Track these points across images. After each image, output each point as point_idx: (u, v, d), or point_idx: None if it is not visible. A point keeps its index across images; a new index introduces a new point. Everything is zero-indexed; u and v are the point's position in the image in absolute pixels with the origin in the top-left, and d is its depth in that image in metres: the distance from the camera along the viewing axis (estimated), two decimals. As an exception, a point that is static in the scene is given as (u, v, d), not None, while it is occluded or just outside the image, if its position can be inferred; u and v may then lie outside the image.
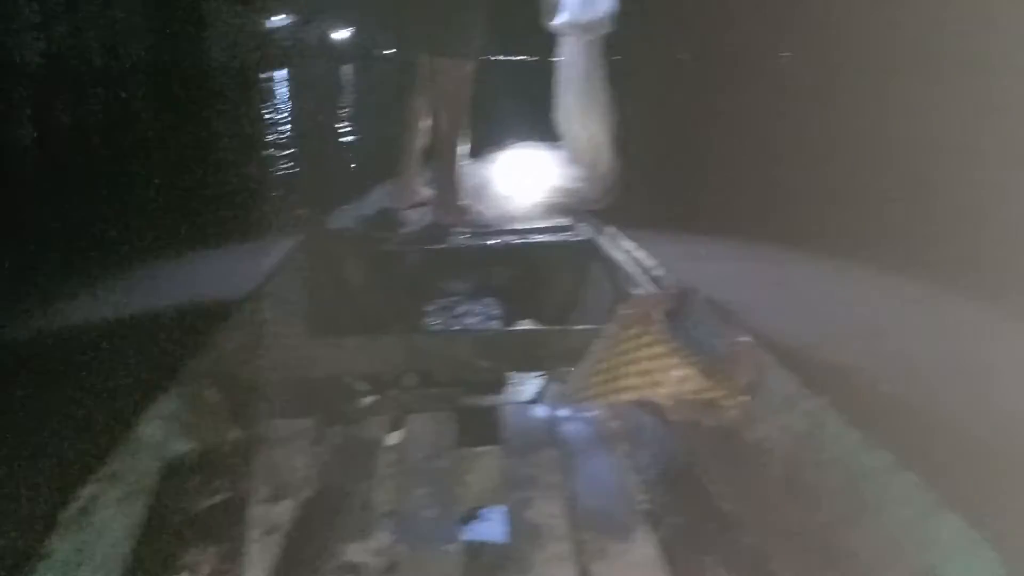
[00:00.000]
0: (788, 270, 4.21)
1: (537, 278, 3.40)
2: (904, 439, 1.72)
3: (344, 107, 16.17)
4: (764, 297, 3.36)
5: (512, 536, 1.53)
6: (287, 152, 10.12)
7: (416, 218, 3.80)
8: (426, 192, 3.99)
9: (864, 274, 4.17)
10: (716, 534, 1.53)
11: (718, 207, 5.50)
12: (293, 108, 15.72)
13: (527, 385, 2.42)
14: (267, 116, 14.43)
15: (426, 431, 1.91)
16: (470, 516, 1.62)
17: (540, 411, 2.09)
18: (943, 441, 2.38)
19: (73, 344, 3.58)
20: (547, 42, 4.21)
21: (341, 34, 26.54)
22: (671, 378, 1.95)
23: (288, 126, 13.22)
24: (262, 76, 18.63)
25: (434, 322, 3.17)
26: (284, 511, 1.56)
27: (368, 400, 2.29)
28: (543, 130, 4.25)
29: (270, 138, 11.27)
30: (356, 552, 1.48)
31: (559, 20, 4.04)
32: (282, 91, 18.77)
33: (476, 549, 1.51)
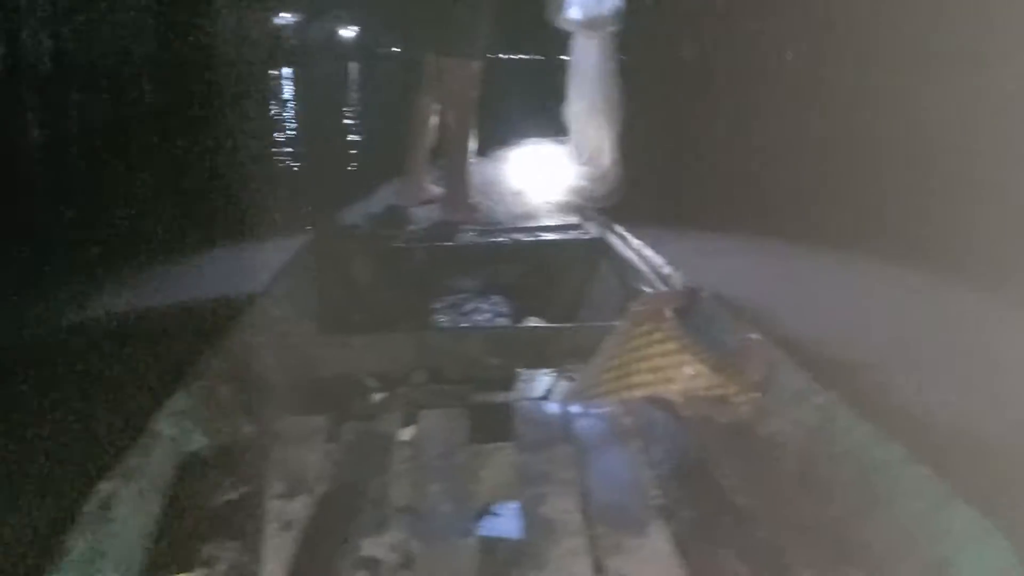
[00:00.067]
0: (795, 265, 4.21)
1: (546, 276, 3.41)
2: (914, 430, 1.73)
3: (351, 105, 16.18)
4: (772, 293, 3.37)
5: (527, 531, 1.54)
6: (295, 150, 10.14)
7: (424, 216, 3.81)
8: (434, 190, 4.00)
9: (870, 267, 4.18)
10: (730, 528, 1.54)
11: (725, 204, 5.51)
12: (300, 106, 15.72)
13: (538, 382, 2.43)
14: (275, 114, 14.46)
15: (439, 427, 1.92)
16: (485, 511, 1.63)
17: (552, 408, 2.10)
18: (952, 432, 2.39)
19: (86, 343, 3.61)
20: (554, 40, 4.22)
21: (347, 32, 26.55)
22: (683, 375, 1.96)
23: (295, 124, 13.25)
24: (270, 74, 18.67)
25: (443, 319, 3.18)
26: (300, 507, 1.57)
27: (379, 397, 2.30)
28: (551, 128, 4.26)
29: (278, 136, 11.30)
30: (372, 547, 1.49)
31: (567, 16, 4.04)
32: (289, 89, 18.82)
33: (491, 544, 1.52)
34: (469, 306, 3.26)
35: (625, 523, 1.52)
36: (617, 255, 3.25)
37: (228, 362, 2.08)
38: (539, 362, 2.50)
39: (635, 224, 3.46)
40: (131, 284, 4.38)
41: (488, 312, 3.21)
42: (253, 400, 2.04)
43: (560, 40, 4.17)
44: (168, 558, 1.42)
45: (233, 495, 1.60)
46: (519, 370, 2.46)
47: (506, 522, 1.59)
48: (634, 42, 3.97)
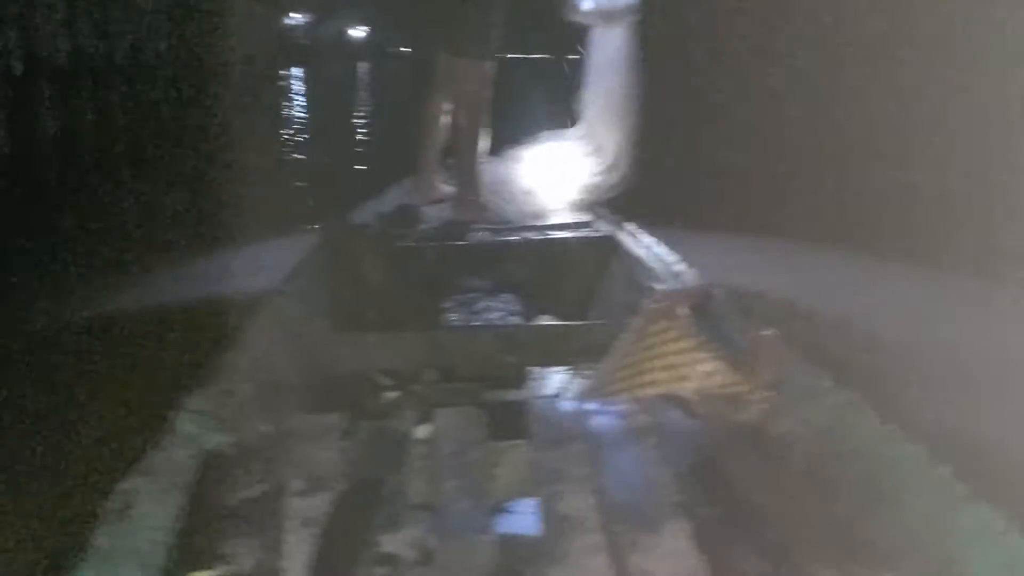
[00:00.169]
0: (807, 263, 4.21)
1: (557, 274, 3.41)
2: (929, 429, 1.74)
3: (361, 105, 16.20)
4: (789, 292, 3.37)
5: (544, 528, 1.55)
6: (306, 150, 10.17)
7: (435, 215, 3.82)
8: (445, 189, 4.01)
9: (882, 267, 4.17)
10: (746, 525, 1.54)
11: (738, 203, 5.49)
12: (311, 106, 15.75)
13: (550, 380, 2.43)
14: (286, 113, 14.49)
15: (454, 425, 1.93)
16: (501, 508, 1.64)
17: (567, 406, 2.11)
18: (969, 431, 2.39)
19: (99, 340, 3.63)
20: (563, 39, 4.21)
21: (357, 32, 26.56)
22: (697, 372, 1.96)
23: (307, 123, 13.28)
24: (281, 73, 18.70)
25: (454, 318, 3.19)
26: (319, 504, 1.58)
27: (394, 395, 2.32)
28: (561, 126, 4.25)
29: (290, 135, 11.32)
30: (391, 543, 1.50)
31: (582, 8, 3.97)
32: (300, 88, 18.86)
33: (509, 541, 1.53)
34: (481, 305, 3.27)
35: (642, 520, 1.53)
36: (629, 253, 3.26)
37: (245, 360, 2.10)
38: (551, 360, 2.50)
39: (647, 222, 3.47)
40: (143, 282, 4.40)
41: (500, 311, 3.22)
42: (270, 398, 2.05)
43: (570, 38, 4.16)
44: (190, 555, 1.44)
45: (252, 493, 1.61)
46: (531, 368, 2.47)
47: (523, 519, 1.60)
48: (655, 33, 3.87)
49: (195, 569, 1.42)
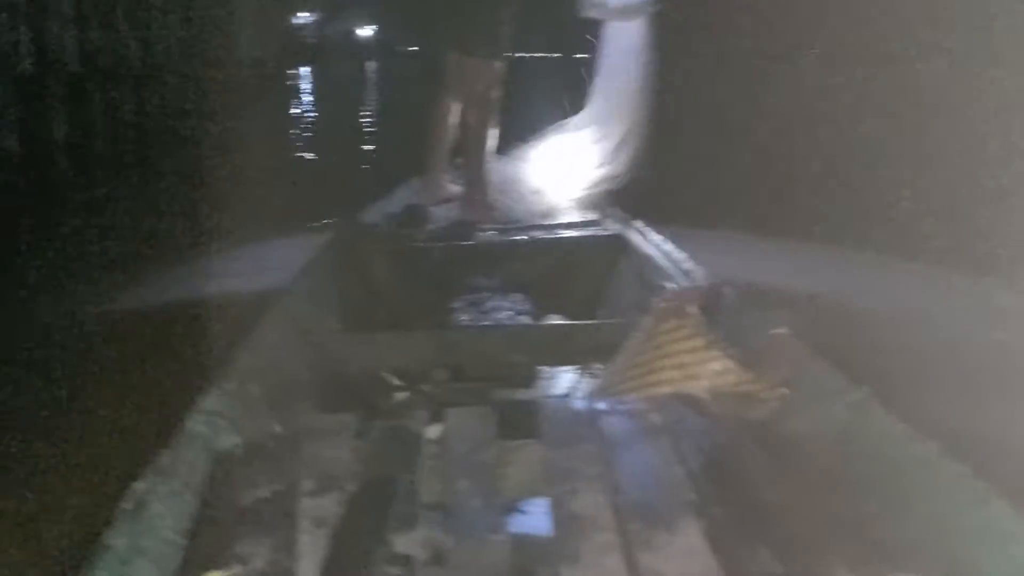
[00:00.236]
0: (818, 262, 4.20)
1: (566, 273, 3.41)
2: (941, 428, 1.73)
3: (370, 104, 16.21)
4: (799, 290, 3.36)
5: (557, 527, 1.54)
6: (315, 149, 10.18)
7: (443, 215, 3.82)
8: (453, 188, 4.01)
9: (892, 266, 4.15)
10: (760, 524, 1.54)
11: (747, 201, 5.48)
12: (319, 105, 15.78)
13: (560, 379, 2.43)
14: (294, 113, 14.52)
15: (465, 425, 1.93)
16: (514, 508, 1.64)
17: (578, 405, 2.11)
18: (982, 430, 2.37)
19: (111, 341, 3.64)
20: (572, 37, 4.19)
21: (365, 31, 26.57)
22: (709, 371, 1.96)
23: (314, 123, 13.29)
24: (289, 72, 18.71)
25: (463, 318, 3.18)
26: (331, 503, 1.58)
27: (404, 395, 2.32)
28: (570, 126, 4.24)
29: (297, 135, 11.34)
30: (404, 543, 1.49)
31: (600, 2, 3.90)
32: (308, 87, 18.87)
33: (521, 540, 1.52)
34: (490, 304, 3.27)
35: (656, 519, 1.53)
36: (638, 251, 3.25)
37: (257, 360, 2.10)
38: (561, 359, 2.50)
39: (656, 221, 3.46)
40: (152, 281, 4.41)
41: (509, 310, 3.22)
42: (280, 398, 2.05)
43: (579, 38, 4.15)
44: (203, 555, 1.44)
45: (265, 493, 1.62)
46: (541, 367, 2.47)
47: (536, 518, 1.60)
48: (666, 27, 3.82)
49: (208, 569, 1.42)
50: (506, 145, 4.15)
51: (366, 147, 10.20)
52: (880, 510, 1.57)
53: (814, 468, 1.75)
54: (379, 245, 3.47)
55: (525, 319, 3.14)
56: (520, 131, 4.23)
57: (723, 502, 1.59)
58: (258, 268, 3.95)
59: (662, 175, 4.04)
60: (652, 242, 3.24)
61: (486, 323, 3.10)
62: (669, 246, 3.12)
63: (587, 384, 2.32)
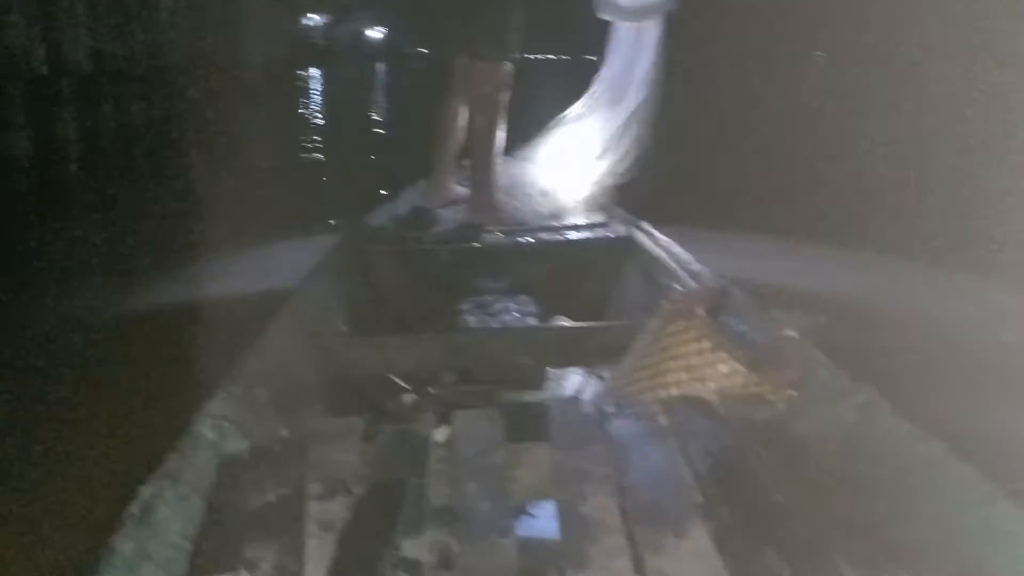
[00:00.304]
0: (824, 263, 4.19)
1: (573, 275, 3.41)
2: (945, 425, 1.73)
3: (378, 105, 16.25)
4: (806, 291, 3.35)
5: (565, 530, 1.54)
6: (323, 151, 10.20)
7: (450, 217, 3.82)
8: (460, 191, 4.00)
9: (898, 267, 4.14)
10: (769, 526, 1.53)
11: (755, 201, 5.48)
12: (327, 106, 15.81)
13: (568, 382, 2.43)
14: (305, 114, 14.55)
15: (473, 427, 1.92)
16: (522, 511, 1.63)
17: (586, 407, 2.10)
18: (986, 427, 2.37)
19: (118, 343, 3.65)
20: (580, 40, 4.18)
21: (375, 33, 26.65)
22: (717, 373, 1.95)
23: (323, 125, 13.33)
24: (299, 73, 18.78)
25: (471, 320, 3.18)
26: (339, 507, 1.57)
27: (412, 398, 2.31)
28: (575, 127, 4.23)
29: (306, 137, 11.37)
30: (412, 547, 1.49)
31: (617, 4, 3.85)
32: (317, 89, 18.93)
33: (530, 544, 1.52)
34: (497, 306, 3.27)
35: (664, 522, 1.52)
36: (645, 252, 3.25)
37: (264, 363, 2.10)
38: (569, 361, 2.50)
39: (662, 221, 3.46)
40: (159, 283, 4.42)
41: (516, 312, 3.22)
42: (287, 402, 2.05)
43: (586, 39, 4.13)
44: (210, 560, 1.44)
45: (273, 497, 1.61)
46: (549, 370, 2.47)
47: (544, 521, 1.59)
48: (679, 29, 3.79)
49: (215, 574, 1.42)
50: (513, 147, 4.14)
51: (374, 149, 10.22)
52: (889, 511, 1.57)
53: (823, 470, 1.75)
54: (386, 247, 3.47)
55: (532, 321, 3.13)
56: (527, 133, 4.22)
57: (730, 504, 1.58)
58: (265, 271, 3.96)
59: (668, 175, 4.03)
60: (659, 243, 3.24)
61: (493, 325, 3.10)
62: (676, 247, 3.11)
63: (595, 386, 2.31)
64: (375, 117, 14.02)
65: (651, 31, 3.82)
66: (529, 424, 1.92)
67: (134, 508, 1.43)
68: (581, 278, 3.41)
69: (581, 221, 3.77)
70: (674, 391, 2.01)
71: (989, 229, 4.53)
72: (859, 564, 1.46)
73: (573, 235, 3.60)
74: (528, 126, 4.22)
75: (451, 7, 3.83)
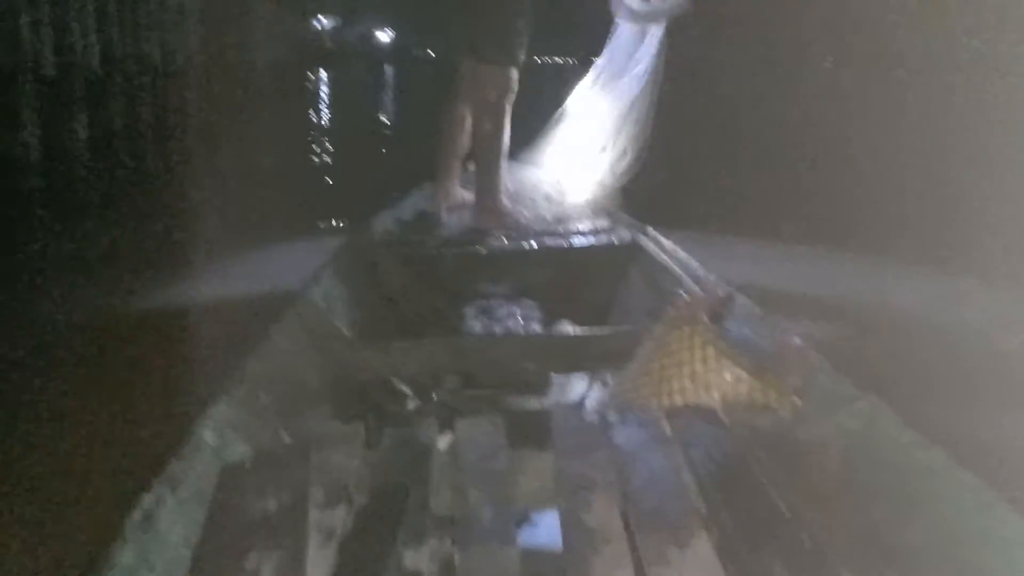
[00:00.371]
0: (827, 269, 4.18)
1: (577, 280, 3.40)
2: (952, 433, 1.72)
3: (385, 108, 16.28)
4: (811, 297, 3.35)
5: (568, 538, 1.53)
6: (330, 153, 10.22)
7: (455, 222, 3.81)
8: (465, 195, 4.00)
9: (904, 273, 4.14)
10: (774, 534, 1.52)
11: (760, 208, 5.47)
12: (335, 109, 15.85)
13: (572, 387, 2.42)
14: (310, 116, 14.59)
15: (476, 433, 1.92)
16: (525, 518, 1.62)
17: (590, 413, 2.09)
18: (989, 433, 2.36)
19: (122, 344, 3.65)
20: (584, 43, 4.18)
21: (383, 36, 26.79)
22: (722, 380, 1.94)
23: (330, 127, 13.36)
24: (307, 75, 18.84)
25: (475, 325, 3.18)
26: (341, 515, 1.57)
27: (415, 403, 2.31)
28: (580, 132, 4.23)
29: (313, 138, 11.40)
30: (413, 556, 1.48)
31: (635, 7, 3.82)
32: (325, 91, 18.99)
33: (533, 552, 1.51)
34: (501, 311, 3.26)
35: (668, 530, 1.51)
36: (650, 258, 3.24)
37: (267, 367, 2.10)
38: (573, 367, 2.49)
39: (668, 228, 3.45)
40: (164, 284, 4.43)
41: (520, 317, 3.21)
42: (291, 406, 2.05)
43: (593, 42, 4.11)
44: (212, 567, 1.43)
45: (274, 503, 1.60)
46: (553, 375, 2.46)
47: (547, 529, 1.59)
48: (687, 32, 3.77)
49: None
50: (518, 151, 4.14)
51: (381, 152, 10.23)
52: (893, 518, 1.56)
53: (828, 476, 1.74)
54: (390, 251, 3.47)
55: (537, 327, 3.12)
56: (533, 136, 4.22)
57: (733, 511, 1.57)
58: (268, 273, 3.96)
59: (674, 180, 4.02)
60: (664, 249, 3.23)
61: (497, 330, 3.09)
62: (681, 253, 3.10)
63: (598, 392, 2.31)
64: (382, 119, 14.04)
65: (654, 36, 3.82)
66: (532, 430, 1.92)
67: (135, 515, 1.43)
68: (585, 283, 3.40)
69: (586, 226, 3.76)
70: (678, 398, 2.00)
71: (992, 236, 4.52)
72: (863, 571, 1.45)
73: (578, 240, 3.59)
74: (533, 130, 4.21)
75: (457, 11, 3.82)
